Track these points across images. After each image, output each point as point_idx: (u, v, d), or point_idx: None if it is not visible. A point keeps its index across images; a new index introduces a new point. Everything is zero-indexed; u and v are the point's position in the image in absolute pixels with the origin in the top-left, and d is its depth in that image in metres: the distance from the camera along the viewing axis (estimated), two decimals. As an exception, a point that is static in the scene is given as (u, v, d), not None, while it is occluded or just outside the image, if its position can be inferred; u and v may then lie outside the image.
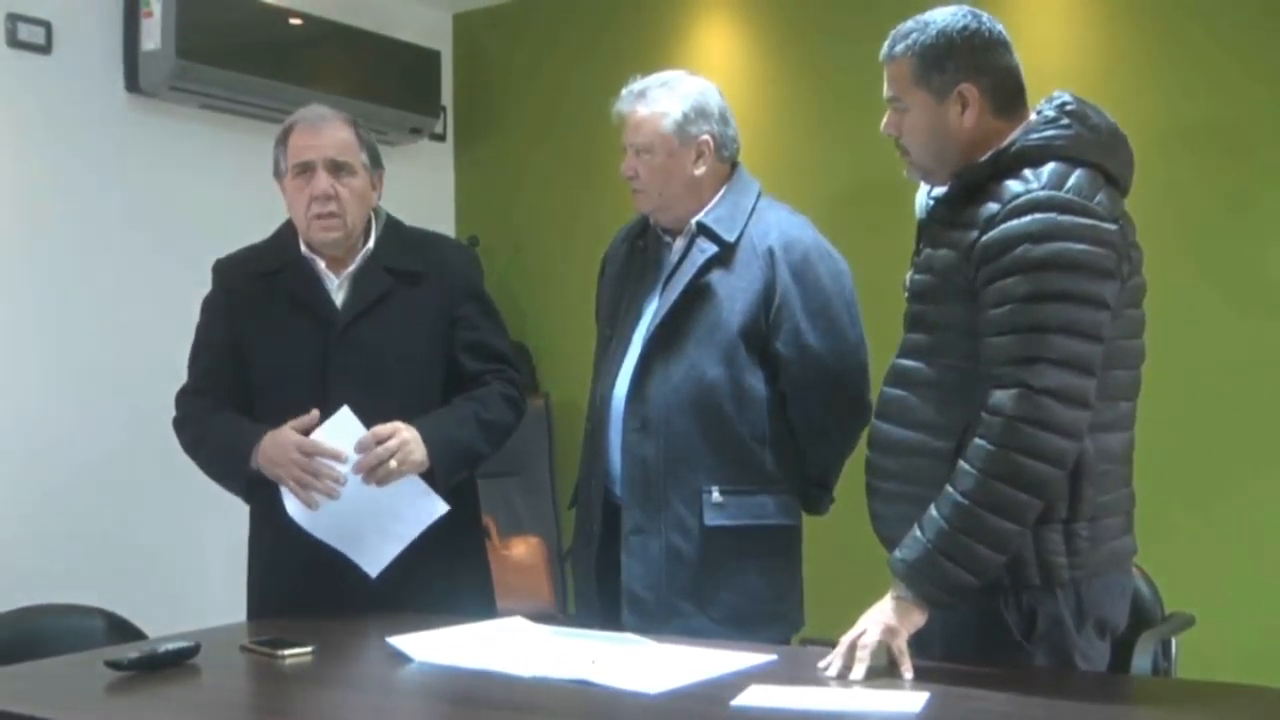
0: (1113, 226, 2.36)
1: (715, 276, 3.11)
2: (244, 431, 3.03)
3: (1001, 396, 2.31)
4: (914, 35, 2.50)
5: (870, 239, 4.44)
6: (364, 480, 2.94)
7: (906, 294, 2.61)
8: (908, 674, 2.30)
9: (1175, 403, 4.07)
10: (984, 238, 2.37)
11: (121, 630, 3.10)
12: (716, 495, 3.07)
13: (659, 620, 3.04)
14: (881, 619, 2.36)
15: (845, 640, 2.37)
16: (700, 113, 3.16)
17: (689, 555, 3.07)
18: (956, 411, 2.44)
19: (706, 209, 3.16)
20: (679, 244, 3.18)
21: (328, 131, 3.09)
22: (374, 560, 3.00)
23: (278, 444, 2.97)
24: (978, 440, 2.33)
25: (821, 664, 2.38)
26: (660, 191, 3.15)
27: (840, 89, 5.07)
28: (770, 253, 3.10)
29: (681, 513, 3.08)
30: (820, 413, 3.14)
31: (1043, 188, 2.36)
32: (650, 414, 3.09)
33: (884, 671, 2.32)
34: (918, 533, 2.36)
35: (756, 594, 3.11)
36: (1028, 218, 2.34)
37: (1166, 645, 2.67)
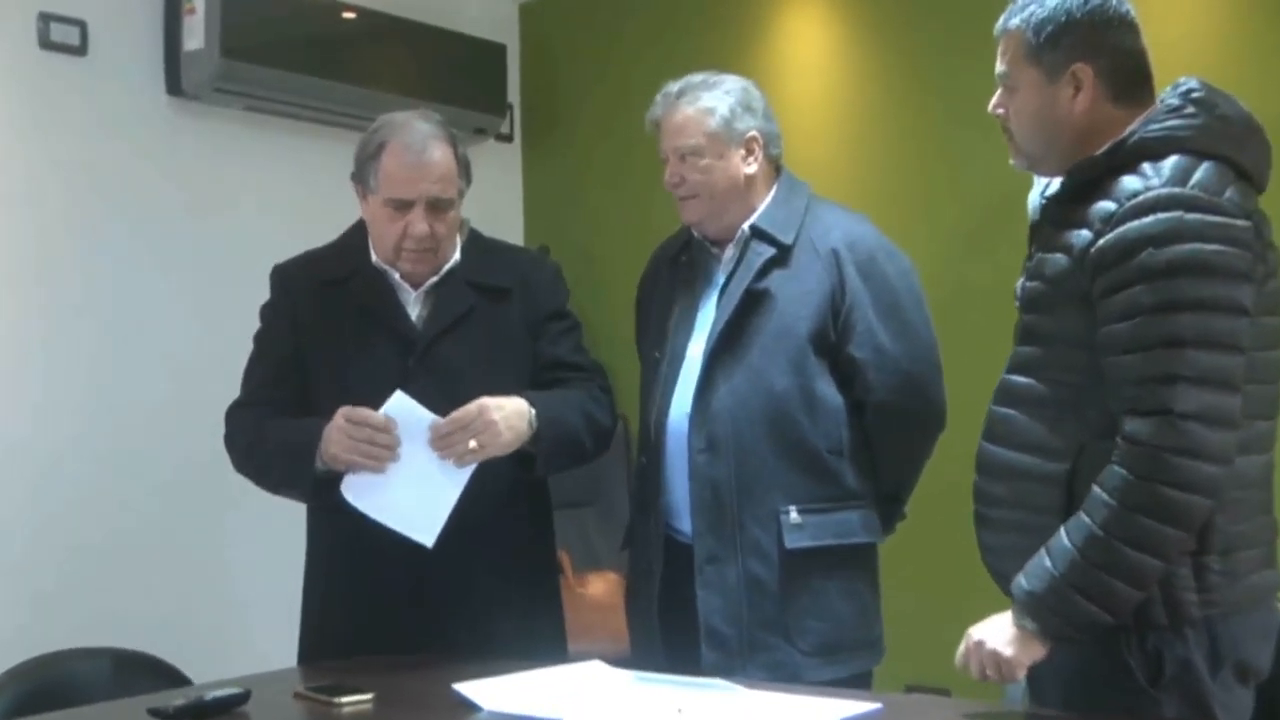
0: (1245, 224, 2.34)
1: (775, 280, 3.14)
2: (306, 425, 3.03)
3: (1140, 424, 2.29)
4: (1031, 7, 2.50)
5: (983, 250, 4.41)
6: (442, 458, 2.95)
7: (1018, 304, 2.60)
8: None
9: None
10: (1100, 241, 2.35)
11: (132, 669, 3.15)
12: (795, 515, 3.09)
13: (742, 656, 3.06)
14: (992, 646, 2.37)
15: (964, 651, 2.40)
16: (746, 107, 3.21)
17: (769, 582, 3.09)
18: (1069, 431, 2.43)
19: (758, 212, 3.20)
20: (730, 252, 3.22)
21: (431, 166, 3.06)
22: (427, 530, 2.98)
23: (332, 424, 2.97)
24: (1115, 468, 2.31)
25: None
26: (711, 196, 3.18)
27: (948, 87, 4.98)
28: (834, 253, 3.15)
29: (758, 536, 3.09)
30: (897, 420, 3.17)
31: (1164, 184, 2.34)
32: (717, 432, 3.10)
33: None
34: (1046, 562, 2.35)
35: (843, 620, 3.14)
36: (1149, 218, 2.31)
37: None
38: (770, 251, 3.15)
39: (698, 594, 3.10)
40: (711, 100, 3.18)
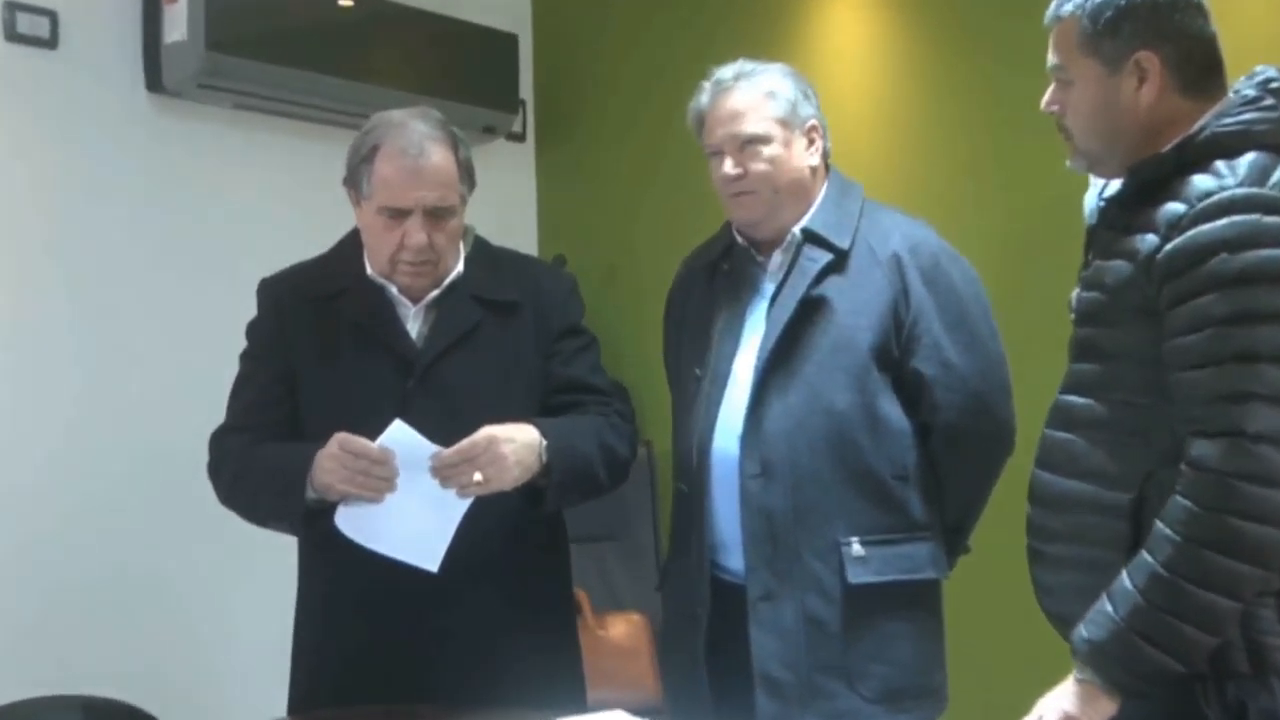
0: None
1: (832, 288, 3.10)
2: (296, 452, 3.00)
3: (1207, 447, 2.24)
4: None
5: (1035, 258, 4.35)
6: (445, 486, 2.90)
7: (1073, 316, 2.56)
8: None
9: None
10: (1167, 246, 2.31)
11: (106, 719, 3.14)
12: (858, 547, 3.04)
13: (800, 704, 3.01)
14: (1059, 706, 2.32)
15: None
16: (805, 93, 3.21)
17: (831, 622, 3.03)
18: (1134, 457, 2.38)
19: (808, 214, 3.16)
20: (779, 258, 3.18)
21: (429, 171, 3.02)
22: (431, 556, 2.94)
23: (324, 451, 2.94)
24: (1179, 499, 2.26)
25: None
26: (775, 190, 3.14)
27: (998, 81, 4.88)
28: (896, 259, 3.11)
29: (818, 570, 3.04)
30: (965, 443, 3.12)
31: (1240, 183, 2.30)
32: (772, 455, 3.04)
33: None
34: (1107, 607, 2.30)
35: (908, 664, 3.11)
36: (1223, 221, 2.27)
37: None
38: (826, 257, 3.10)
39: (751, 636, 3.04)
40: (773, 83, 3.16)
